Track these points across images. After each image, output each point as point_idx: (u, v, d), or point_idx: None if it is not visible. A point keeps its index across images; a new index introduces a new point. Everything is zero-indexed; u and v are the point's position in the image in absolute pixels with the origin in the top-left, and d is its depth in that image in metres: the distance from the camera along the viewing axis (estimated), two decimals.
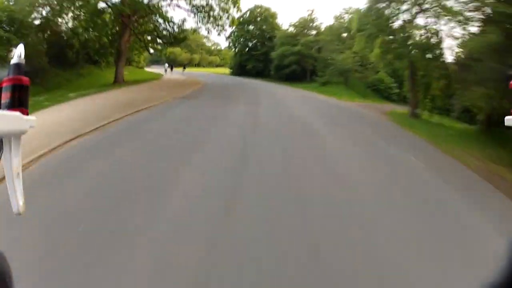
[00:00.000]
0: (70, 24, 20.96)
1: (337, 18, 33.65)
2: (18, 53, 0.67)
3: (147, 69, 38.61)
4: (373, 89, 28.42)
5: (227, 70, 48.01)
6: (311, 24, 34.82)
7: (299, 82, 30.73)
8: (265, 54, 38.04)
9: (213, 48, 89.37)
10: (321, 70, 30.76)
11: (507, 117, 0.74)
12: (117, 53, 21.08)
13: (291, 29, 35.46)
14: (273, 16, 40.69)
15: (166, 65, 37.59)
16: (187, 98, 14.72)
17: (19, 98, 0.64)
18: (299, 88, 26.77)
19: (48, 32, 19.60)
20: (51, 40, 19.36)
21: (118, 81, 19.57)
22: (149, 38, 23.18)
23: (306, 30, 34.56)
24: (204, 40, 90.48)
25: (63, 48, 20.34)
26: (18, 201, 0.62)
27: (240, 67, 40.58)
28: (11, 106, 0.63)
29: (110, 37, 22.00)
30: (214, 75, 42.93)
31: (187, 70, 39.57)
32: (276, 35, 39.48)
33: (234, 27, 40.60)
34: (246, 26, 39.83)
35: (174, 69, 37.86)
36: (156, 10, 20.61)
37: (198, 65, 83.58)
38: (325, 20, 62.08)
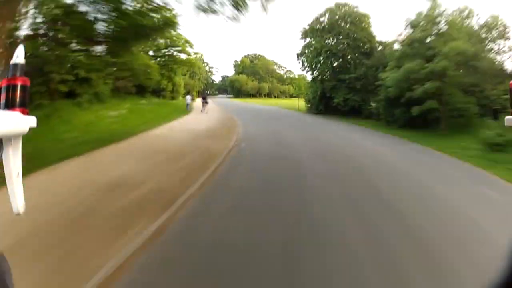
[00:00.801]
0: None
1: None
2: (17, 53, 0.66)
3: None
4: None
5: (302, 103, 34.18)
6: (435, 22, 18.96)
7: (433, 136, 15.54)
8: (363, 79, 23.26)
9: (286, 76, 77.73)
10: (468, 107, 15.43)
11: (507, 117, 0.72)
12: None
13: (407, 31, 19.63)
14: (365, 19, 25.61)
15: (188, 97, 25.49)
16: None
17: (18, 98, 0.63)
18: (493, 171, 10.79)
19: None
20: None
21: None
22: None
23: (435, 31, 18.69)
24: (275, 66, 79.39)
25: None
26: (18, 201, 0.62)
27: (323, 100, 26.04)
28: (11, 106, 0.62)
29: None
30: (280, 112, 29.52)
31: (243, 100, 27.11)
32: (376, 46, 24.64)
33: (308, 38, 27.36)
34: (325, 35, 25.70)
35: (223, 99, 25.45)
36: None
37: (267, 95, 72.03)
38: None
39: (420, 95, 15.70)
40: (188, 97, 25.35)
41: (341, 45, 24.82)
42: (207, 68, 73.77)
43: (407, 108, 17.24)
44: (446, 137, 15.12)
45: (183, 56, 29.29)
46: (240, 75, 72.92)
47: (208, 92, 72.97)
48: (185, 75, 39.34)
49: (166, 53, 28.52)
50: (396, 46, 19.61)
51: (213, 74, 77.13)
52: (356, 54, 24.14)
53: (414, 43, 17.14)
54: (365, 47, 24.39)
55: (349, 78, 23.46)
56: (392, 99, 18.06)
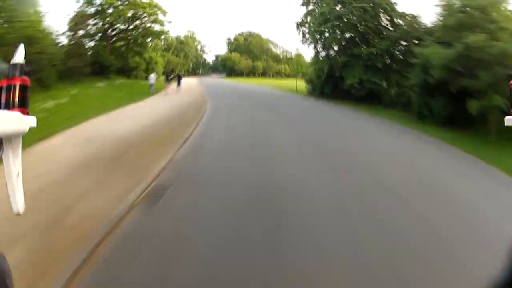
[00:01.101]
0: None
1: None
2: (17, 53, 0.65)
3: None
4: None
5: (301, 84, 28.72)
6: None
7: (486, 144, 10.74)
8: (383, 55, 17.87)
9: (282, 55, 71.43)
10: None
11: (507, 117, 0.72)
12: None
13: None
14: None
15: (152, 77, 20.89)
16: None
17: (19, 98, 0.63)
18: None
19: None
20: None
21: None
22: None
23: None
24: (270, 45, 72.84)
25: None
26: (18, 201, 0.61)
27: (330, 80, 20.51)
28: (11, 106, 0.62)
29: None
30: (275, 96, 24.34)
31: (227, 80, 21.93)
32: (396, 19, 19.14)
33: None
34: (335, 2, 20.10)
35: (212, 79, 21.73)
36: None
37: (262, 74, 66.04)
38: None
39: (483, 86, 10.50)
40: (152, 76, 20.43)
41: (355, 10, 19.07)
42: (198, 46, 68.11)
43: (454, 100, 12.14)
44: (505, 148, 10.07)
45: (156, 27, 23.91)
46: (233, 53, 66.91)
47: (199, 71, 67.44)
48: (164, 50, 33.84)
49: (137, 26, 23.21)
50: (437, 15, 14.26)
51: (205, 53, 70.93)
52: (376, 24, 18.54)
53: (474, 9, 11.76)
54: (387, 18, 18.73)
55: (367, 54, 17.90)
56: (433, 85, 12.88)
